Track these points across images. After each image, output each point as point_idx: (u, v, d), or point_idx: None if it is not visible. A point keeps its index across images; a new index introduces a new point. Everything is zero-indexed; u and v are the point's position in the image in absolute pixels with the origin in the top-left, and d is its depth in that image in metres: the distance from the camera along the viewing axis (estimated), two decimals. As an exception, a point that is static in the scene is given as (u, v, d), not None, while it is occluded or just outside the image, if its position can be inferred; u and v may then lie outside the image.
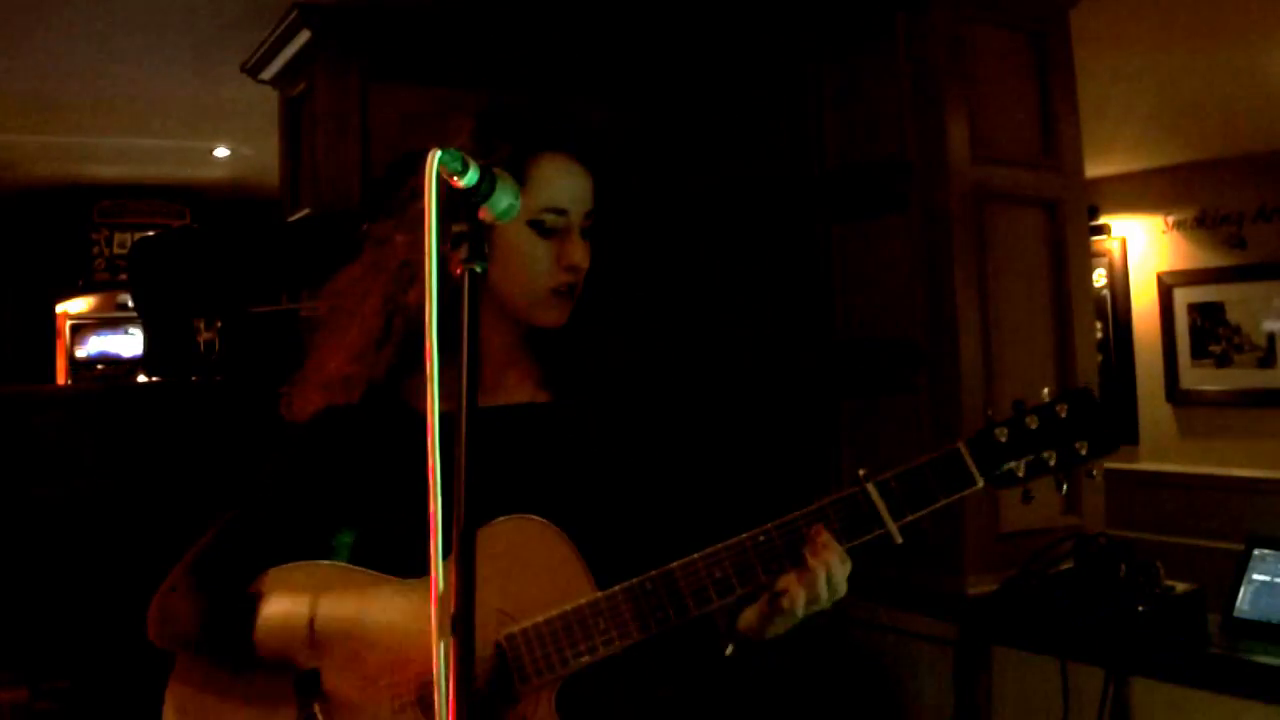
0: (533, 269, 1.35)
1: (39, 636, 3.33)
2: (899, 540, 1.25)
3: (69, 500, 3.45)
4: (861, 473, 1.26)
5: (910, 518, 1.25)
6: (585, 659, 1.23)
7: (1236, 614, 2.36)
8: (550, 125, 1.39)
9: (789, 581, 1.23)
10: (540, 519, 1.28)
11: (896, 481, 1.25)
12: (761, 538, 1.25)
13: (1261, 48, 3.97)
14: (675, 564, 1.24)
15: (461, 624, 0.92)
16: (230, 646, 1.28)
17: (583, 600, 1.25)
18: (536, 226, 1.34)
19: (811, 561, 1.22)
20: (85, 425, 3.64)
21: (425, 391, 1.02)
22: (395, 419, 1.37)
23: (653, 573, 1.24)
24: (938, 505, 1.25)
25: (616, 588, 1.24)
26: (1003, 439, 1.27)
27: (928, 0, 2.85)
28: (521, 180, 1.33)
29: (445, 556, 0.97)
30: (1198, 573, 2.51)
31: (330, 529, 1.37)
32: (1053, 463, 1.27)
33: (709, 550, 1.25)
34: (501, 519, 1.27)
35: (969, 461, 1.26)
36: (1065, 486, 1.29)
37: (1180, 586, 2.42)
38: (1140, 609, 2.35)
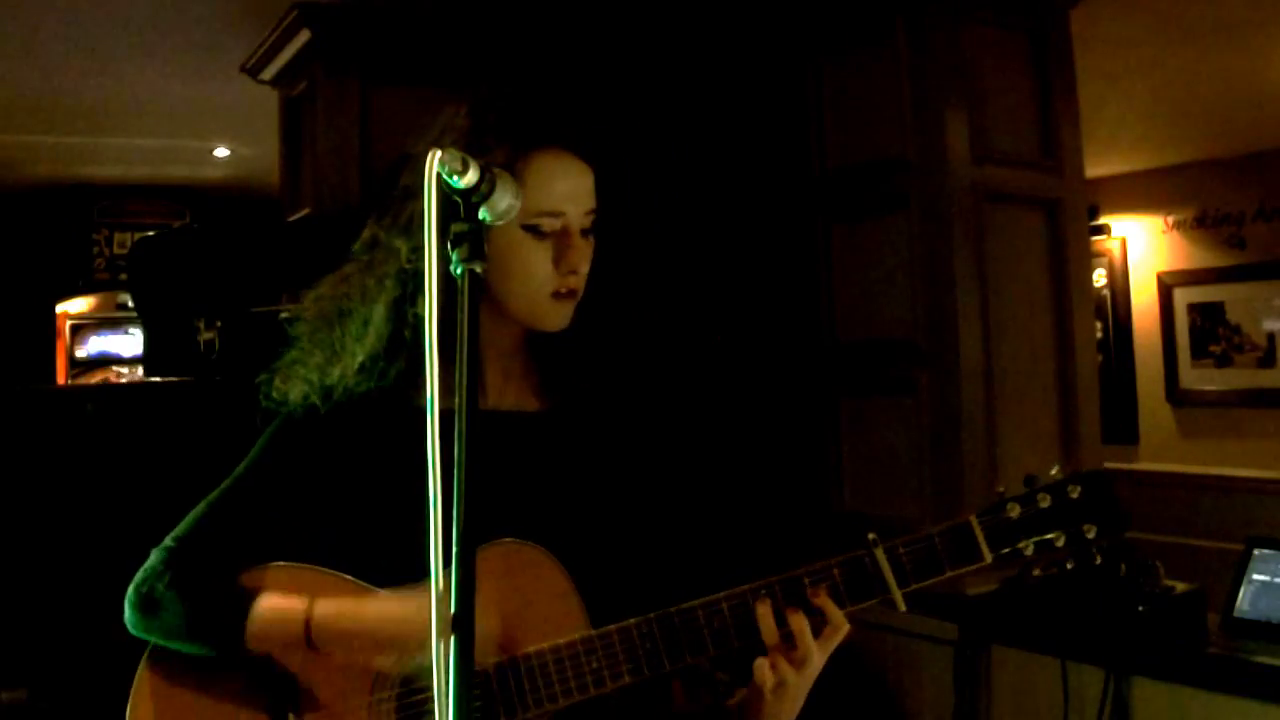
0: (531, 274, 1.29)
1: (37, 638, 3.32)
2: (903, 607, 1.25)
3: (67, 500, 3.44)
4: (871, 536, 1.26)
5: (915, 586, 1.25)
6: (575, 697, 1.21)
7: (1236, 614, 2.36)
8: (543, 117, 1.31)
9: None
10: (540, 547, 1.25)
11: (905, 548, 1.25)
12: (763, 590, 1.23)
13: (1261, 48, 3.98)
14: (673, 609, 1.23)
15: (461, 625, 0.92)
16: (219, 636, 1.24)
17: (577, 636, 1.22)
18: (532, 231, 1.28)
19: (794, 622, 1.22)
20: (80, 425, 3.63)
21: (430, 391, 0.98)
22: (401, 415, 1.31)
23: (650, 615, 1.22)
24: (944, 577, 1.25)
25: (612, 627, 1.22)
26: (1014, 515, 1.26)
27: (927, 0, 2.85)
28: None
29: (445, 560, 0.93)
30: (1198, 573, 2.51)
31: (323, 523, 1.32)
32: (1060, 544, 1.26)
33: (708, 599, 1.23)
34: (503, 541, 1.24)
35: (979, 536, 1.25)
36: (1070, 566, 1.29)
37: (1180, 586, 2.42)
38: (1140, 609, 2.35)
